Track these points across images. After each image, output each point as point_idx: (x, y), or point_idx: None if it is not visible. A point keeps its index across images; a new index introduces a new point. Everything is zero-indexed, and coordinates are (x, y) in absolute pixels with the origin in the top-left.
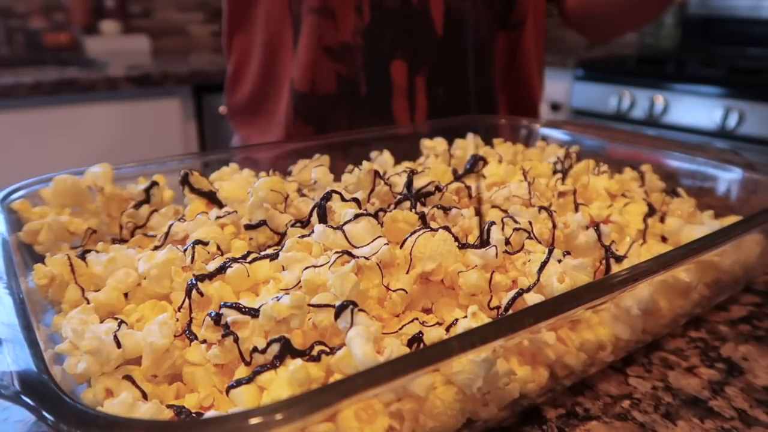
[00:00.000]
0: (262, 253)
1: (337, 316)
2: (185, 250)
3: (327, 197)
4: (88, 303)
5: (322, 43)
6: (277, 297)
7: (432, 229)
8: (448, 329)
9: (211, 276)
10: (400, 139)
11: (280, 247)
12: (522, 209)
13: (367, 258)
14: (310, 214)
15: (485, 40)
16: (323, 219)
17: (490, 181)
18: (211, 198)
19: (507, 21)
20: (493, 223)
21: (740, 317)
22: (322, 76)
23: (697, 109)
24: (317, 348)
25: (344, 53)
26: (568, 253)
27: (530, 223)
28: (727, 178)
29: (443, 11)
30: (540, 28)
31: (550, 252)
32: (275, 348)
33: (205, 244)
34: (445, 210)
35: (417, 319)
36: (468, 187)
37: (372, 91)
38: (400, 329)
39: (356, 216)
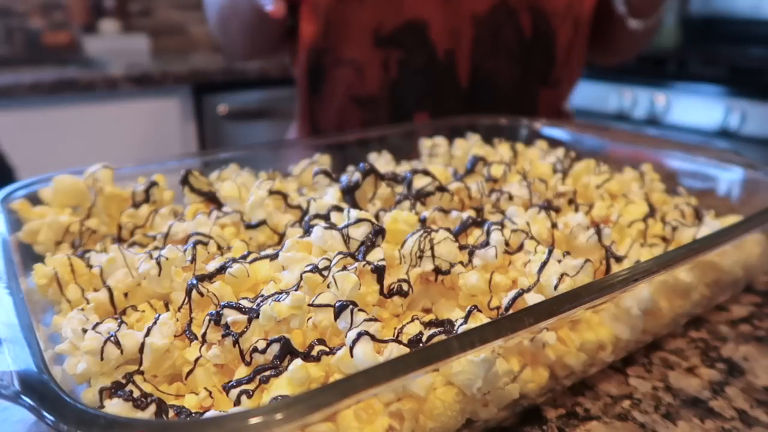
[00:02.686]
0: (262, 253)
1: (337, 316)
2: (185, 249)
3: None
4: (88, 303)
5: (350, 93)
6: (276, 297)
7: (432, 230)
8: None
9: (211, 276)
10: (400, 139)
11: (280, 247)
12: (521, 210)
13: (369, 263)
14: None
15: (513, 95)
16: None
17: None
18: (211, 198)
19: (547, 78)
20: (492, 223)
21: (741, 317)
22: (349, 121)
23: (698, 109)
24: (317, 348)
25: (370, 103)
26: (568, 253)
27: (528, 224)
28: (728, 178)
29: (469, 69)
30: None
31: (550, 252)
32: (275, 348)
33: (205, 244)
34: (445, 211)
35: (417, 319)
36: (468, 188)
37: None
38: (400, 329)
39: (357, 221)
